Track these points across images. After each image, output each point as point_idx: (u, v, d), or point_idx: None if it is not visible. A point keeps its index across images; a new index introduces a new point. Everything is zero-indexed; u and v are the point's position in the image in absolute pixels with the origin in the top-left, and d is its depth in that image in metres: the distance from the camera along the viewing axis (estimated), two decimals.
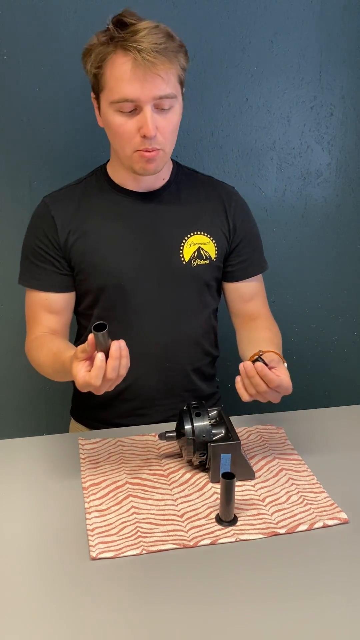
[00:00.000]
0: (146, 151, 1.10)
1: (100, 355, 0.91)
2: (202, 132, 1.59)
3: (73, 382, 1.40)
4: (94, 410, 1.33)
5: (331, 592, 0.80)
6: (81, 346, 0.93)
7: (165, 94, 1.07)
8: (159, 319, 1.24)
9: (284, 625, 0.75)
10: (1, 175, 1.54)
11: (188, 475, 1.05)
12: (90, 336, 0.90)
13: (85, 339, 1.03)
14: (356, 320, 1.87)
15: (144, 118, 1.07)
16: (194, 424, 1.02)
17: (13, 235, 1.59)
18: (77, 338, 1.36)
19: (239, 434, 1.07)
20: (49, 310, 1.24)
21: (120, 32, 1.05)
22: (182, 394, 1.30)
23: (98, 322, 0.89)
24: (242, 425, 1.22)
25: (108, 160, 1.27)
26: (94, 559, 0.86)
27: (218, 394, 1.43)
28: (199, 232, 1.24)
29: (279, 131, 1.64)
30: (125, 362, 0.93)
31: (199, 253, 1.24)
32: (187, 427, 1.02)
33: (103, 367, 0.91)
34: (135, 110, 1.08)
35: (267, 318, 1.32)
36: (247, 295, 1.31)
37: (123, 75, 1.05)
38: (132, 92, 1.05)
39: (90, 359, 0.93)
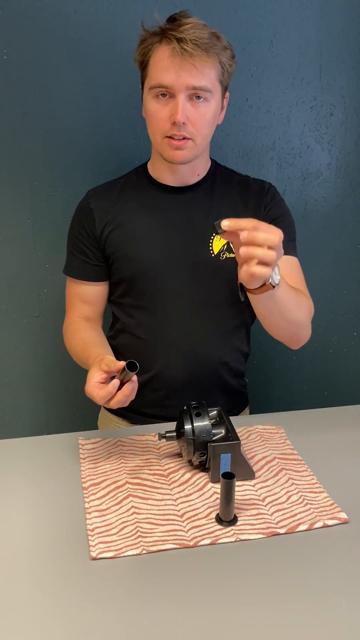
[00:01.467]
0: (174, 139, 1.15)
1: (115, 382, 1.00)
2: None
3: None
4: None
5: (331, 592, 0.80)
6: (110, 361, 1.02)
7: (199, 85, 1.11)
8: (187, 310, 1.27)
9: (284, 625, 0.75)
10: (1, 175, 1.54)
11: (188, 475, 1.05)
12: (121, 364, 0.99)
13: (119, 327, 1.34)
14: (356, 320, 1.87)
15: (176, 105, 1.12)
16: (194, 424, 1.02)
17: (13, 234, 1.59)
18: (112, 326, 1.39)
19: (239, 434, 1.07)
20: (83, 300, 1.32)
21: (168, 25, 1.12)
22: (209, 388, 1.32)
23: (132, 362, 0.97)
24: (242, 425, 1.22)
25: (150, 159, 1.31)
26: (94, 559, 0.86)
27: (246, 392, 1.45)
28: None
29: (279, 131, 1.64)
30: (127, 401, 1.02)
31: (228, 246, 1.25)
32: (187, 427, 1.02)
33: (112, 393, 1.01)
34: (171, 98, 1.13)
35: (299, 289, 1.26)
36: None
37: (162, 63, 1.12)
38: (168, 78, 1.11)
39: (108, 373, 1.03)
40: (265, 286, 1.00)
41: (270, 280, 0.99)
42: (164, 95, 1.14)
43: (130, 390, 1.00)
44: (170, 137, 1.15)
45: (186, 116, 1.13)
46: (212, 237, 1.25)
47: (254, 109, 1.61)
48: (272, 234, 0.89)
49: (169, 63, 1.10)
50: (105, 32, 1.47)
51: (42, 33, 1.45)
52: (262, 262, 0.89)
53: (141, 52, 1.16)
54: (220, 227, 0.89)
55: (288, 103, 1.62)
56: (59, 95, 1.50)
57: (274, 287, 1.01)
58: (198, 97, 1.13)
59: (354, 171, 1.72)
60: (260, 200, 1.29)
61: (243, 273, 0.91)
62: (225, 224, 0.88)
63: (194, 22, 1.11)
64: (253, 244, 0.88)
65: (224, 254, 1.25)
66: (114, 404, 1.01)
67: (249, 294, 1.05)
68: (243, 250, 0.88)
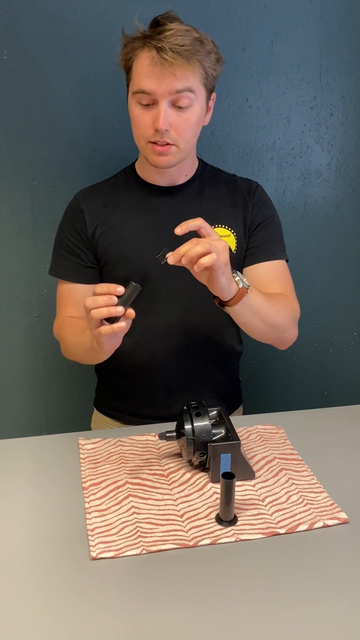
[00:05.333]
0: (157, 144, 1.15)
1: (114, 289, 0.95)
2: (202, 132, 1.58)
3: (97, 374, 1.45)
4: (116, 401, 1.37)
5: (331, 592, 0.80)
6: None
7: (180, 88, 1.11)
8: (180, 310, 1.27)
9: (283, 626, 0.75)
10: (1, 175, 1.54)
11: (188, 475, 1.05)
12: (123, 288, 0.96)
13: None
14: (356, 320, 1.87)
15: (158, 112, 1.12)
16: (194, 424, 1.02)
17: (13, 235, 1.59)
18: None
19: (239, 434, 1.07)
20: (76, 301, 1.30)
21: (149, 31, 1.12)
22: (202, 387, 1.32)
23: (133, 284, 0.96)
24: (242, 425, 1.22)
25: (137, 158, 1.31)
26: (94, 559, 0.86)
27: (240, 392, 1.46)
28: (219, 225, 1.27)
29: (279, 131, 1.64)
30: (122, 326, 0.96)
31: None
32: (187, 427, 1.02)
33: (102, 293, 0.95)
34: (153, 104, 1.13)
35: (283, 294, 1.27)
36: (260, 281, 1.29)
37: (143, 69, 1.11)
38: (149, 85, 1.11)
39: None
40: (239, 294, 1.06)
41: (241, 285, 1.05)
42: (147, 103, 1.13)
43: (110, 295, 0.95)
44: (154, 143, 1.15)
45: (169, 123, 1.12)
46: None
47: (254, 109, 1.61)
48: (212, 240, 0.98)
49: (150, 70, 1.10)
50: (105, 32, 1.47)
51: (42, 33, 1.45)
52: (205, 254, 0.97)
53: (124, 57, 1.16)
54: (164, 258, 0.99)
55: (288, 103, 1.62)
56: (59, 95, 1.50)
57: (247, 290, 1.06)
58: (180, 106, 1.12)
59: (354, 171, 1.72)
60: (248, 200, 1.29)
61: (197, 270, 0.98)
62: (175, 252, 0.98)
63: (175, 28, 1.09)
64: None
65: None
66: (90, 302, 0.96)
67: (227, 309, 1.09)
68: (186, 249, 0.98)
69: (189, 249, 0.97)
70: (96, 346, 1.05)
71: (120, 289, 0.95)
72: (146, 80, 1.11)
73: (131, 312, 0.97)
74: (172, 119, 1.13)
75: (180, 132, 1.15)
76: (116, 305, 0.95)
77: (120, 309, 0.95)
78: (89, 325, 1.00)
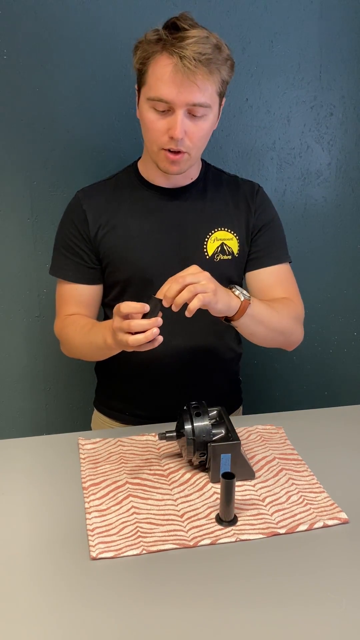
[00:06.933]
0: (171, 152, 1.14)
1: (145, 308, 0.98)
2: None
3: (97, 375, 1.45)
4: (116, 402, 1.38)
5: (331, 592, 0.80)
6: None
7: (199, 102, 1.10)
8: (181, 312, 1.26)
9: (284, 626, 0.75)
10: (1, 175, 1.54)
11: (188, 475, 1.05)
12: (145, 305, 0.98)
13: None
14: (356, 320, 1.87)
15: (175, 121, 1.11)
16: (194, 424, 1.02)
17: (13, 235, 1.59)
18: None
19: (239, 434, 1.07)
20: (78, 301, 1.30)
21: (169, 36, 1.08)
22: (202, 388, 1.31)
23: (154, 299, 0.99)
24: (242, 425, 1.22)
25: (140, 157, 1.30)
26: (94, 559, 0.86)
27: (240, 392, 1.46)
28: (222, 229, 1.27)
29: (279, 131, 1.64)
30: (144, 336, 0.98)
31: (222, 248, 1.26)
32: (187, 427, 1.02)
33: (137, 311, 0.98)
34: (169, 111, 1.11)
35: (287, 298, 1.28)
36: (263, 285, 1.30)
37: (162, 76, 1.09)
38: (168, 94, 1.09)
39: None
40: (242, 308, 1.07)
41: (242, 298, 1.07)
42: (162, 109, 1.11)
43: (152, 324, 0.98)
44: (167, 150, 1.14)
45: (184, 131, 1.11)
46: (206, 239, 1.25)
47: (254, 109, 1.61)
48: (194, 276, 1.01)
49: (170, 78, 1.07)
50: (105, 32, 1.47)
51: (42, 33, 1.45)
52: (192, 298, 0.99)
53: (139, 59, 1.13)
54: (157, 299, 1.00)
55: (288, 103, 1.62)
56: (59, 95, 1.50)
57: (249, 301, 1.08)
58: (195, 115, 1.11)
59: (354, 171, 1.72)
60: (250, 203, 1.29)
61: (189, 315, 1.00)
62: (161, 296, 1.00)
63: (197, 35, 1.06)
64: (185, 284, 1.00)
65: (218, 255, 1.26)
66: (136, 324, 0.98)
67: (233, 323, 1.11)
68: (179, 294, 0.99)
69: (177, 298, 0.99)
70: (113, 346, 1.07)
71: (146, 307, 0.98)
72: (166, 89, 1.08)
73: (160, 321, 0.98)
74: (187, 127, 1.12)
75: (194, 140, 1.14)
76: (144, 317, 0.98)
77: (156, 331, 0.97)
78: (122, 344, 1.02)
